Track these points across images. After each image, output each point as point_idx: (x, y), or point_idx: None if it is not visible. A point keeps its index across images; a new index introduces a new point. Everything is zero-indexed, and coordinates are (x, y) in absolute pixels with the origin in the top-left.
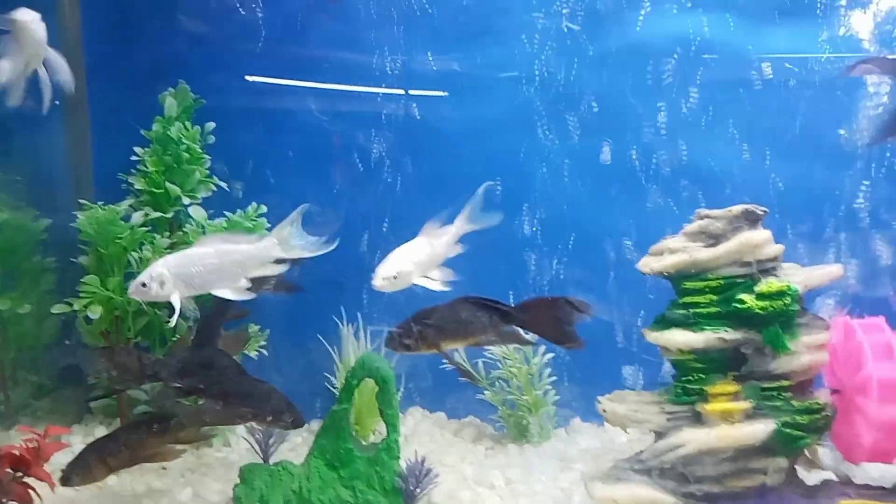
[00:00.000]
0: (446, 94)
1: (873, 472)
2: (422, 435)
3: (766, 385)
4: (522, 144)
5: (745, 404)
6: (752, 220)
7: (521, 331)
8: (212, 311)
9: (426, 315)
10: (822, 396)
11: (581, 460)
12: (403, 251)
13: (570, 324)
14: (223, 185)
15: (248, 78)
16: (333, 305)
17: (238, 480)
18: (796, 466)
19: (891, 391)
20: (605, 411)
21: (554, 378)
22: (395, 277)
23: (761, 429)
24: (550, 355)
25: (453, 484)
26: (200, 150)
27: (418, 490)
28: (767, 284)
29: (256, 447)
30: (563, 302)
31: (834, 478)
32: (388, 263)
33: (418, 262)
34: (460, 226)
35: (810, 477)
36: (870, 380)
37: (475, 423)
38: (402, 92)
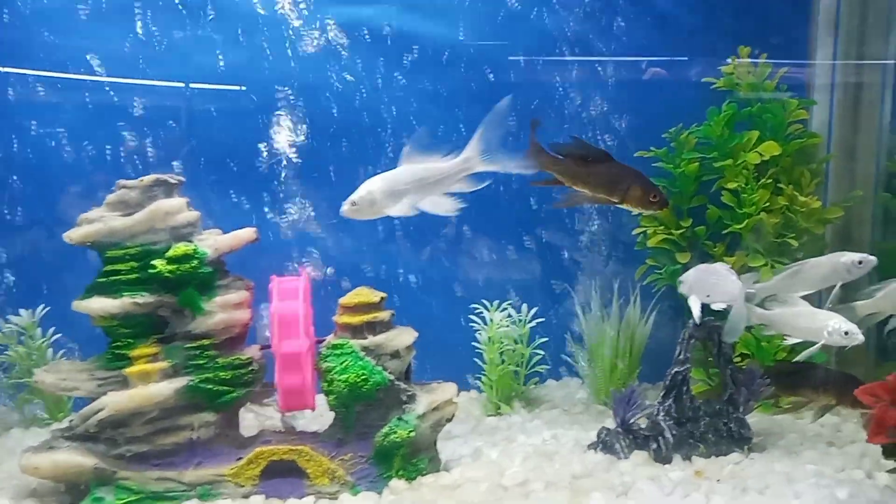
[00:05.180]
0: None
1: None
2: None
3: (189, 345)
4: None
5: (161, 364)
6: (166, 189)
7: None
8: None
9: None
10: (249, 352)
11: None
12: None
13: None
14: None
15: None
16: None
17: None
18: (240, 419)
19: (289, 327)
20: (37, 381)
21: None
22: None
23: (168, 386)
24: (58, 335)
25: None
26: None
27: None
28: (174, 249)
29: None
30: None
31: (280, 428)
32: None
33: None
34: None
35: (249, 429)
36: (273, 318)
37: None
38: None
